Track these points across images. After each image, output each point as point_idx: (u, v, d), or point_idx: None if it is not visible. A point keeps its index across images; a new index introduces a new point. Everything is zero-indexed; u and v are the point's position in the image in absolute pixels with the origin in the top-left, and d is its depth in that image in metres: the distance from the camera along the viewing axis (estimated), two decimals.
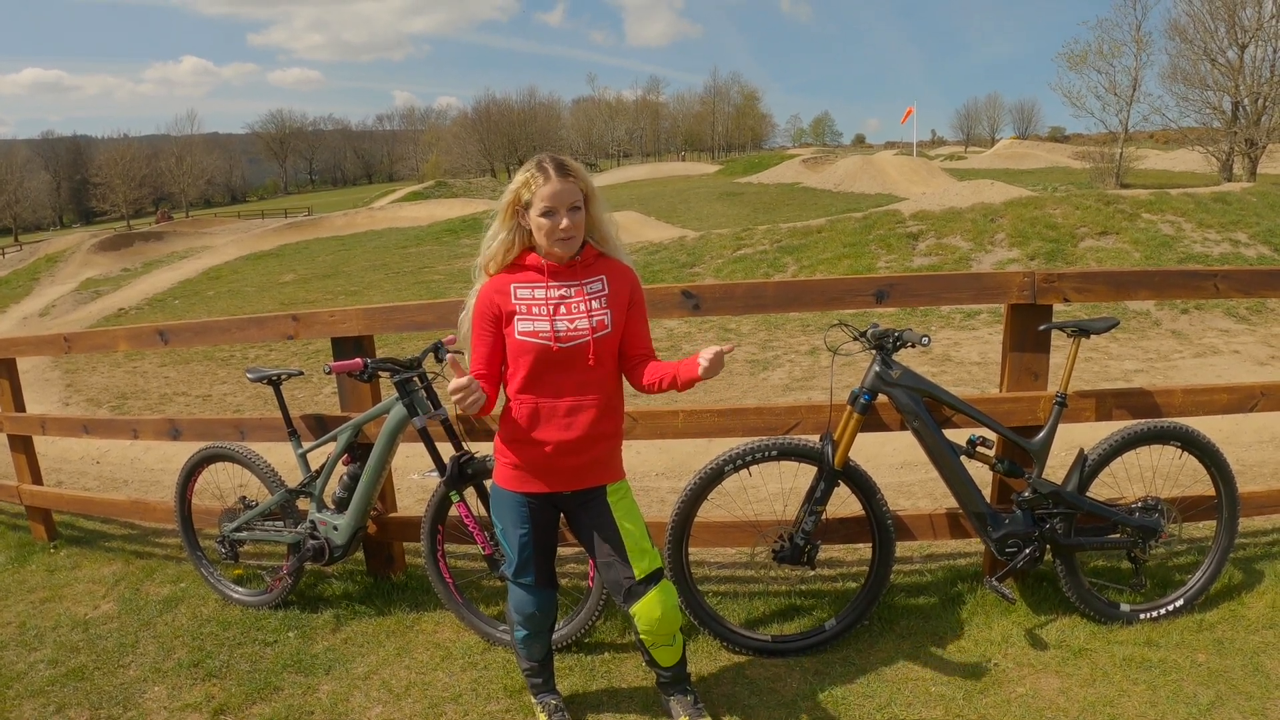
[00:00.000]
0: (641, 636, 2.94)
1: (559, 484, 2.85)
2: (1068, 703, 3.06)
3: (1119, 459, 3.53)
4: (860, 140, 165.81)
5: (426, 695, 3.39)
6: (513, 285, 2.78)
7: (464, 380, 2.57)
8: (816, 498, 3.41)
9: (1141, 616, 3.52)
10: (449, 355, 2.84)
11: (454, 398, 2.57)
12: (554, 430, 2.77)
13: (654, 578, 2.86)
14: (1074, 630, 3.49)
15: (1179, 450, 3.56)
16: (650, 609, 2.84)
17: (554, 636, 3.35)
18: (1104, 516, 3.50)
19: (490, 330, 2.79)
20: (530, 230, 2.75)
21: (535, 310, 2.75)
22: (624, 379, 2.96)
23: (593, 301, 2.78)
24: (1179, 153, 43.08)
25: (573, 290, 2.77)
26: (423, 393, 3.64)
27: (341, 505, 3.96)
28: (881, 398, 3.41)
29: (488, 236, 2.81)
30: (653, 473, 6.23)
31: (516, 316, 2.75)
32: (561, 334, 2.73)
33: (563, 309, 2.75)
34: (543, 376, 2.76)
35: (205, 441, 4.47)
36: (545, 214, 2.67)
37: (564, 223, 2.67)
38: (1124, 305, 10.48)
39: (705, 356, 2.65)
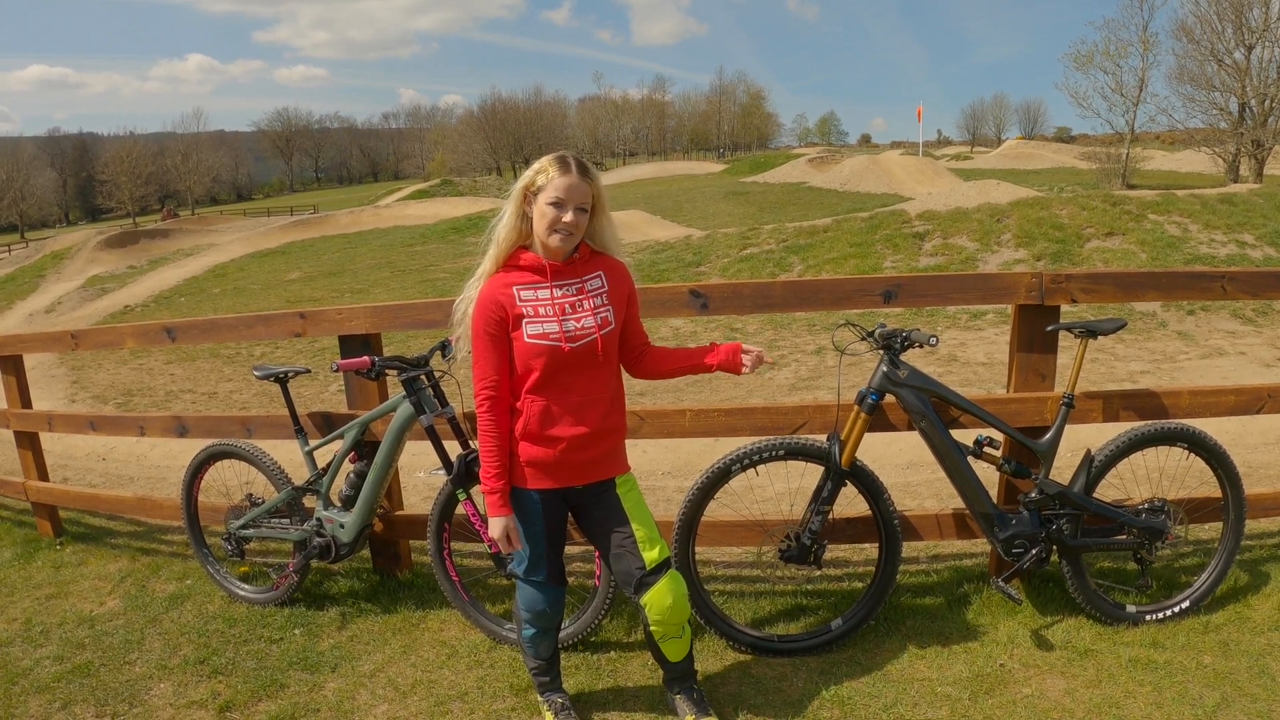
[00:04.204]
0: (652, 627, 2.94)
1: (571, 479, 2.87)
2: (1073, 704, 3.06)
3: (1126, 460, 3.53)
4: (866, 140, 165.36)
5: (432, 693, 3.40)
6: (515, 288, 2.77)
7: (497, 542, 2.88)
8: (823, 497, 3.41)
9: (1147, 618, 3.52)
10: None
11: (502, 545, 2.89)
12: (566, 427, 2.79)
13: (664, 566, 2.89)
14: (1080, 631, 3.48)
15: (1186, 452, 3.56)
16: (662, 597, 2.86)
17: (560, 635, 3.36)
18: (1110, 518, 3.49)
19: (498, 336, 2.76)
20: (531, 220, 2.75)
21: (543, 312, 2.75)
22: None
23: (595, 299, 2.81)
24: (1185, 154, 42.95)
25: (575, 289, 2.80)
26: (430, 391, 3.65)
27: (348, 503, 3.97)
28: (889, 398, 3.41)
29: (502, 223, 2.79)
30: (660, 471, 6.23)
31: (525, 320, 2.74)
32: (571, 334, 2.74)
33: (568, 308, 2.77)
34: (554, 377, 2.77)
35: (212, 439, 4.47)
36: (553, 203, 2.68)
37: (568, 216, 2.68)
38: (1130, 306, 10.46)
39: (750, 361, 2.96)
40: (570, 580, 3.20)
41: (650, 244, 18.50)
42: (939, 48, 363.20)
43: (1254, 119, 32.66)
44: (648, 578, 2.86)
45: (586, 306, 2.79)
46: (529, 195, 2.74)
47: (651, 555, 2.87)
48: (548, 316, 2.75)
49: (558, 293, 2.78)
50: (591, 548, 3.52)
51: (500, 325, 2.76)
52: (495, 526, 2.84)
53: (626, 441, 3.06)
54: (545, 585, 2.98)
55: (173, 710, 3.43)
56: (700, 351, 3.01)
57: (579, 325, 2.76)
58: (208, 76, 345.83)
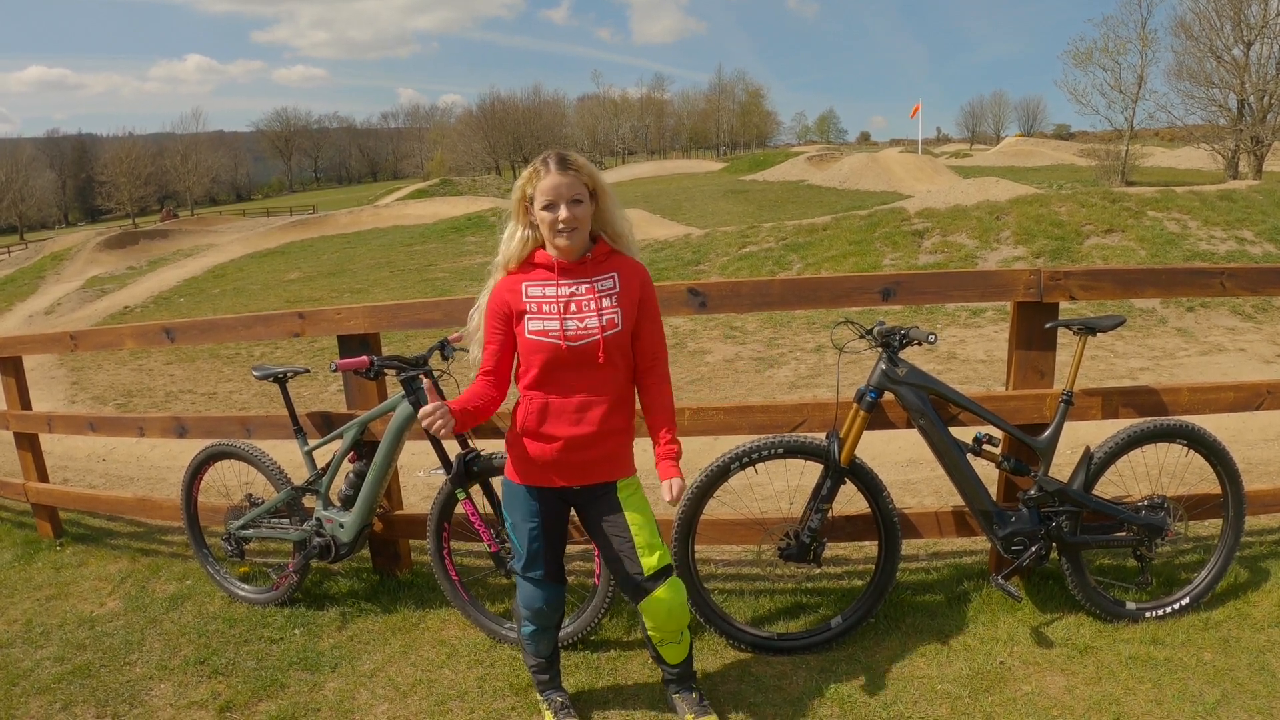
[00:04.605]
0: (649, 633, 2.94)
1: (569, 478, 2.86)
2: (1073, 701, 3.06)
3: (1125, 457, 3.53)
4: (865, 138, 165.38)
5: (432, 693, 3.40)
6: (524, 284, 2.81)
7: (431, 406, 2.64)
8: (822, 495, 3.41)
9: (1147, 615, 3.52)
10: (426, 381, 3.02)
11: (424, 422, 2.63)
12: (564, 425, 2.79)
13: (663, 574, 2.86)
14: (1080, 628, 3.48)
15: (1185, 448, 3.56)
16: (659, 605, 2.85)
17: (560, 634, 3.36)
18: (1110, 514, 3.49)
19: (501, 329, 2.82)
20: (538, 228, 2.78)
21: (546, 309, 2.77)
22: None
23: (604, 299, 2.78)
24: (1184, 150, 42.97)
25: (583, 288, 2.78)
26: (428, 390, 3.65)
27: (347, 503, 3.96)
28: (888, 395, 3.41)
29: (505, 236, 2.85)
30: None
31: (527, 315, 2.77)
32: (571, 333, 2.74)
33: (573, 307, 2.76)
34: (554, 374, 2.78)
35: (211, 439, 4.47)
36: (546, 207, 2.71)
37: (562, 214, 2.69)
38: (1130, 303, 10.45)
39: (671, 495, 2.78)
40: (570, 579, 3.20)
41: (650, 242, 18.48)
42: (938, 45, 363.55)
43: (1253, 115, 32.65)
44: (646, 584, 2.85)
45: (591, 307, 2.77)
46: (527, 206, 2.78)
47: (650, 562, 2.84)
48: (549, 314, 2.76)
49: (564, 291, 2.78)
50: (591, 547, 3.52)
51: (504, 320, 2.81)
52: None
53: None
54: (542, 582, 2.98)
55: (173, 710, 3.43)
56: (662, 435, 2.88)
57: (581, 325, 2.76)
58: (207, 77, 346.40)
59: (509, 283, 2.83)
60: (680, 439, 2.93)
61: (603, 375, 2.80)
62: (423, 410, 2.64)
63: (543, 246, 2.83)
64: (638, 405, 2.95)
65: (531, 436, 2.84)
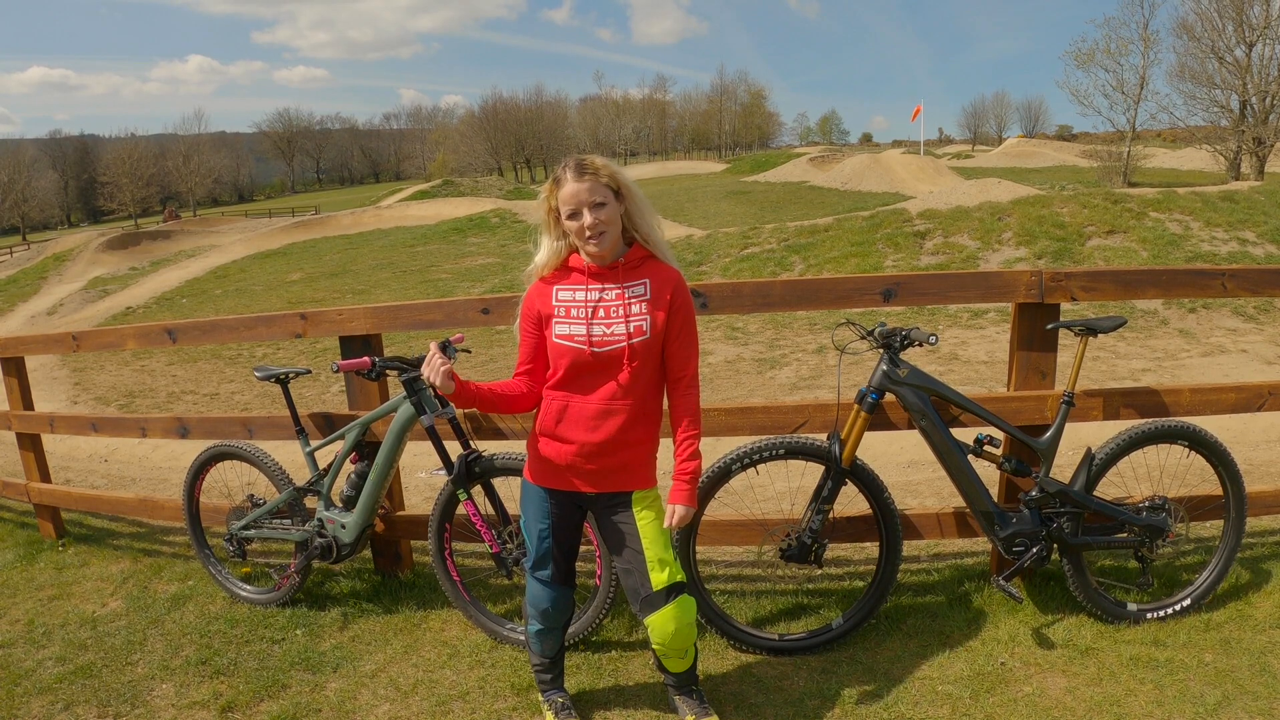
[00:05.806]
0: (654, 646, 2.93)
1: (583, 484, 2.85)
2: (1074, 702, 3.06)
3: (1126, 458, 3.53)
4: (867, 139, 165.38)
5: (434, 693, 3.40)
6: (555, 288, 2.82)
7: (439, 360, 2.71)
8: (824, 496, 3.41)
9: (1148, 616, 3.52)
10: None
11: (424, 370, 2.74)
12: (581, 431, 2.78)
13: (672, 591, 2.82)
14: (1081, 629, 3.48)
15: (1186, 449, 3.56)
16: (664, 623, 2.82)
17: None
18: (1111, 516, 3.49)
19: (532, 331, 2.86)
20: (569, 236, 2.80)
21: (574, 313, 2.77)
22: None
23: (633, 305, 2.76)
24: (1186, 151, 42.99)
25: (613, 294, 2.77)
26: (430, 391, 3.65)
27: (349, 503, 3.97)
28: (889, 396, 3.41)
29: (540, 250, 2.85)
30: (660, 471, 6.19)
31: (554, 319, 2.79)
32: (597, 339, 2.73)
33: (601, 313, 2.75)
34: (577, 378, 2.78)
35: (213, 440, 4.48)
36: (570, 216, 2.70)
37: (587, 219, 2.68)
38: (1131, 304, 10.45)
39: (670, 521, 2.85)
40: None
41: None
42: (940, 45, 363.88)
43: (1255, 116, 32.66)
44: (653, 599, 2.82)
45: (620, 313, 2.75)
46: (556, 218, 2.77)
47: (659, 578, 2.81)
48: (577, 319, 2.77)
49: (592, 295, 2.77)
50: (592, 547, 3.52)
51: (535, 324, 2.85)
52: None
53: None
54: (550, 583, 2.98)
55: (175, 711, 3.43)
56: (679, 450, 2.87)
57: (608, 331, 2.74)
58: (208, 78, 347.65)
59: (541, 288, 2.85)
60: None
61: (627, 383, 2.77)
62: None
63: (577, 251, 2.83)
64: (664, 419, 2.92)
65: (548, 437, 2.84)
